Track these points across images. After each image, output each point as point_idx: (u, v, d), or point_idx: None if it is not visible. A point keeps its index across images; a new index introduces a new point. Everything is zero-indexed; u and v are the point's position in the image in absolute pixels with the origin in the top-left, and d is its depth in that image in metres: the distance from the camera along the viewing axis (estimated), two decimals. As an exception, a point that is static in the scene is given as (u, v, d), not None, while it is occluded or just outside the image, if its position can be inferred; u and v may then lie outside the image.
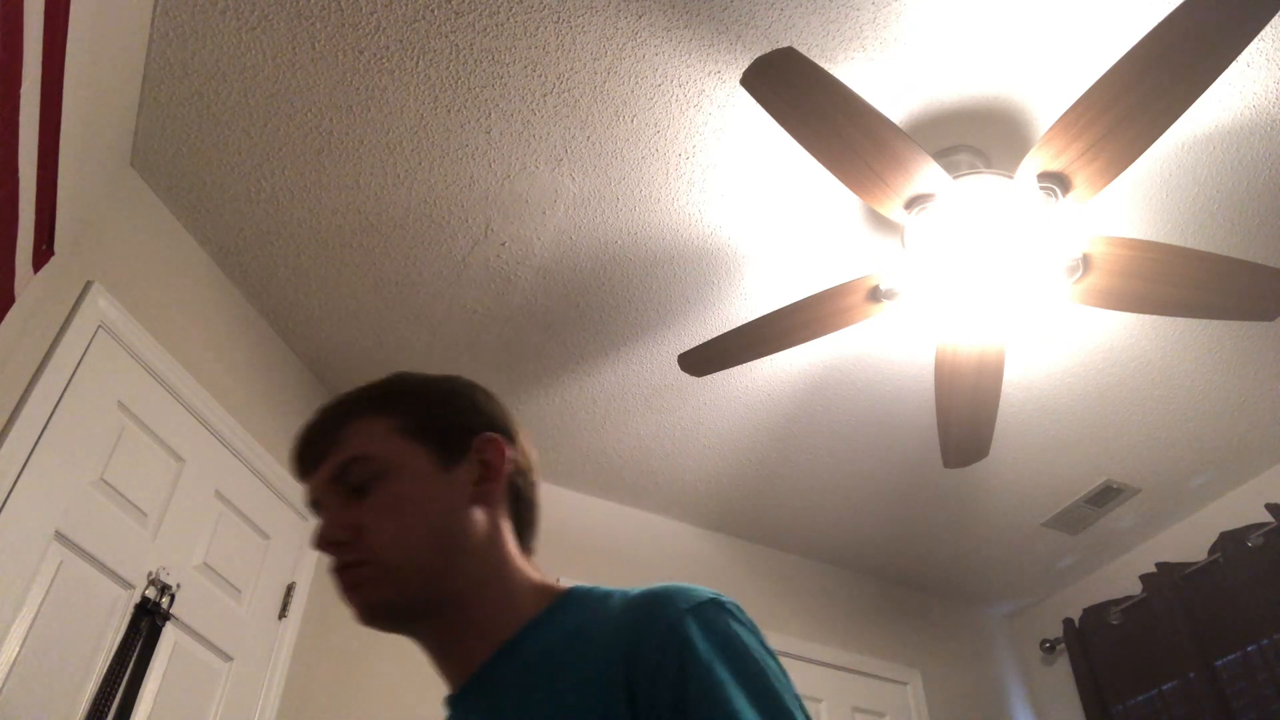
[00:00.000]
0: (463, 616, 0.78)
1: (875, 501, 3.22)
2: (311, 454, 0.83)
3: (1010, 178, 1.86)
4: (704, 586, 0.74)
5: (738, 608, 0.73)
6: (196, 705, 2.05)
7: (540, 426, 2.92)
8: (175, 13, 1.82)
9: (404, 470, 0.80)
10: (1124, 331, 2.51)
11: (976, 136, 2.04)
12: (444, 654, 0.80)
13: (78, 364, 1.83)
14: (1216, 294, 1.92)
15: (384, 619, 0.78)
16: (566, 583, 0.86)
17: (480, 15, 1.82)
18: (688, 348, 2.26)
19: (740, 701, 0.64)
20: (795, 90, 1.65)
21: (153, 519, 1.99)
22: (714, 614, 0.70)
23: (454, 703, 0.81)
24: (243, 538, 2.29)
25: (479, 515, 0.81)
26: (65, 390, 1.78)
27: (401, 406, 0.84)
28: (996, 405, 2.24)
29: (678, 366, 2.28)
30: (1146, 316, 2.44)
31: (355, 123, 2.03)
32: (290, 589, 2.41)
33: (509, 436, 0.87)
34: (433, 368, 2.80)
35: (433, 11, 1.82)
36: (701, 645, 0.67)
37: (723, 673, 0.66)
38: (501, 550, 0.82)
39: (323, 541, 0.78)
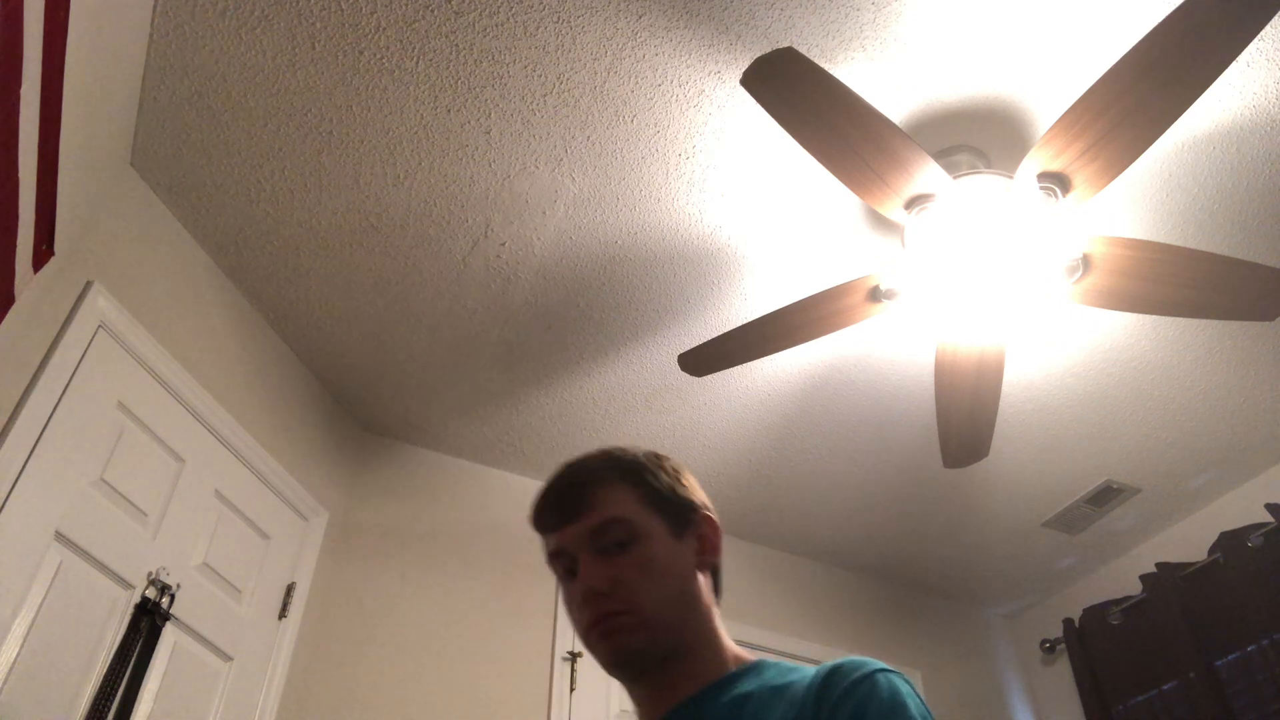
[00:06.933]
0: (683, 667, 0.89)
1: (875, 501, 3.22)
2: (563, 510, 0.93)
3: (1010, 178, 1.86)
4: None
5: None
6: (196, 705, 2.05)
7: (540, 427, 2.92)
8: (175, 13, 1.82)
9: (652, 535, 0.91)
10: (1124, 331, 2.51)
11: (976, 136, 2.04)
12: (656, 700, 0.90)
13: (78, 364, 1.83)
14: (1216, 294, 1.92)
15: (634, 664, 0.89)
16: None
17: (480, 15, 1.82)
18: (688, 348, 2.26)
19: None
20: (795, 90, 1.65)
21: (153, 519, 2.00)
22: (899, 679, 0.80)
23: None
24: (243, 538, 2.30)
25: (701, 581, 0.94)
26: (65, 390, 1.78)
27: (642, 479, 0.95)
28: (996, 405, 2.24)
29: (678, 366, 2.28)
30: (1146, 316, 2.44)
31: (355, 122, 2.03)
32: (290, 589, 2.41)
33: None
34: (433, 367, 2.79)
35: (433, 11, 1.82)
36: (888, 691, 0.77)
37: (910, 712, 0.76)
38: (713, 613, 0.94)
39: (589, 593, 0.88)
